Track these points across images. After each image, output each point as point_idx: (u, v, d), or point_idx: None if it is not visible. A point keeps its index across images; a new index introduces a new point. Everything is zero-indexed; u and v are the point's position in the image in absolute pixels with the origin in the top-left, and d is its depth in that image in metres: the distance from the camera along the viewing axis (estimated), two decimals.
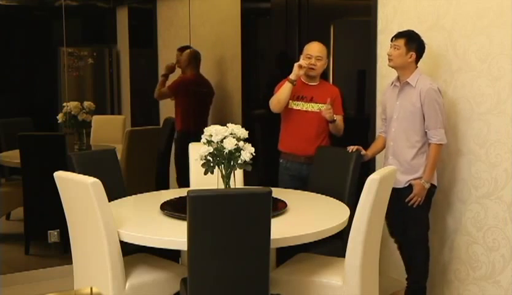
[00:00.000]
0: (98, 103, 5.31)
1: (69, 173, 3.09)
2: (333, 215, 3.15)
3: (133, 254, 3.20)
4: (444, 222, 3.77)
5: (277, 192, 3.35)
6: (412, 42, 3.53)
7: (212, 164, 3.00)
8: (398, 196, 3.52)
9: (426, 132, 3.51)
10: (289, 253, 3.31)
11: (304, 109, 3.98)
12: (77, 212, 2.99)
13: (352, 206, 3.07)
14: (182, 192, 3.19)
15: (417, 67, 3.58)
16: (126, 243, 2.86)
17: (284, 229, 2.83)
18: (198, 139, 3.12)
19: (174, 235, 2.78)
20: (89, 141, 5.22)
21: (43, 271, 4.34)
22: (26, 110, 5.05)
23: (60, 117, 4.98)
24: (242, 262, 2.63)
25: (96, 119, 5.22)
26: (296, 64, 3.89)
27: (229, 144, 2.92)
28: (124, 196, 3.51)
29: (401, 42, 3.53)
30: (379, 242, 3.20)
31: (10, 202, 4.75)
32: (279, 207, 3.13)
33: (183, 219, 2.65)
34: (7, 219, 4.89)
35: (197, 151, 3.05)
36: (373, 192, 2.85)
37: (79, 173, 3.13)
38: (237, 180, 3.29)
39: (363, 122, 4.29)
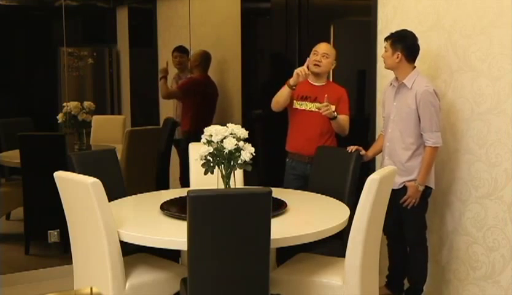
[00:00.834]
0: (98, 103, 5.31)
1: (69, 173, 3.09)
2: (333, 215, 3.15)
3: (133, 254, 3.20)
4: (444, 222, 3.77)
5: (277, 192, 3.35)
6: (397, 42, 3.52)
7: (212, 164, 3.00)
8: (394, 197, 3.51)
9: (421, 134, 3.51)
10: (289, 253, 3.31)
11: (308, 109, 3.99)
12: (77, 212, 2.99)
13: (352, 206, 3.07)
14: (182, 192, 3.19)
15: (414, 67, 3.57)
16: (126, 243, 2.86)
17: (284, 229, 2.84)
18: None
19: (174, 235, 2.78)
20: (89, 141, 5.22)
21: (43, 271, 4.34)
22: (26, 110, 5.05)
23: (60, 117, 4.98)
24: (242, 262, 2.63)
25: (96, 119, 5.22)
26: (295, 71, 3.88)
27: (229, 144, 2.92)
28: (124, 196, 3.51)
29: (387, 44, 3.56)
30: (379, 242, 3.20)
31: (10, 202, 4.75)
32: (280, 207, 3.13)
33: (183, 219, 2.65)
34: (7, 219, 4.89)
35: (197, 151, 3.05)
36: (373, 192, 2.85)
37: (79, 173, 3.14)
38: (237, 180, 3.29)
39: (363, 122, 4.29)
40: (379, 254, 3.23)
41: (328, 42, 4.53)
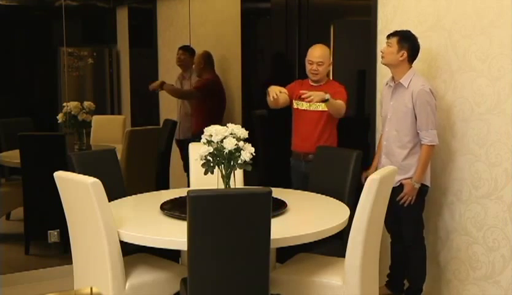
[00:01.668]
0: (98, 103, 5.31)
1: (69, 173, 3.09)
2: (333, 215, 3.15)
3: (133, 254, 3.20)
4: (444, 222, 3.77)
5: (277, 192, 3.35)
6: (405, 41, 3.55)
7: (212, 164, 3.00)
8: (391, 194, 3.54)
9: (418, 133, 3.53)
10: (289, 253, 3.31)
11: (304, 108, 4.04)
12: (77, 212, 2.98)
13: (352, 206, 3.07)
14: (182, 192, 3.19)
15: (411, 67, 3.59)
16: (126, 243, 2.86)
17: (284, 229, 2.84)
18: None
19: (174, 235, 2.78)
20: (89, 141, 5.22)
21: (43, 271, 4.34)
22: (26, 110, 5.05)
23: (60, 117, 4.98)
24: (242, 262, 2.63)
25: (96, 119, 5.22)
26: (268, 90, 3.89)
27: (229, 144, 2.92)
28: (124, 196, 3.51)
29: (394, 40, 3.57)
30: (379, 242, 3.20)
31: (10, 202, 4.75)
32: (280, 207, 3.13)
33: (183, 219, 2.65)
34: (7, 219, 4.89)
35: (197, 151, 3.05)
36: (373, 192, 2.85)
37: (79, 173, 3.13)
38: (237, 180, 3.29)
39: (363, 122, 4.29)
40: (379, 254, 3.23)
41: (328, 42, 4.54)
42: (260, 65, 5.52)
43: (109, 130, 5.35)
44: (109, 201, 2.86)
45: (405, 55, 3.55)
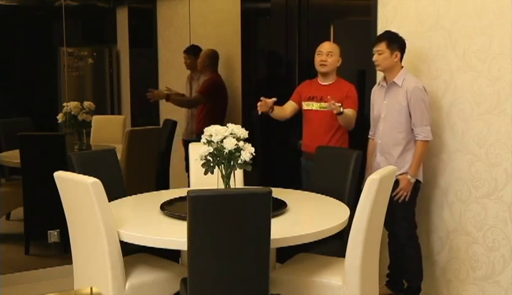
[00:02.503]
0: (98, 103, 5.31)
1: (69, 173, 3.09)
2: (333, 215, 3.15)
3: (133, 254, 3.20)
4: (444, 222, 3.77)
5: (277, 192, 3.35)
6: (394, 42, 3.63)
7: (212, 164, 3.00)
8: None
9: (412, 129, 3.61)
10: (289, 253, 3.31)
11: (314, 108, 4.03)
12: (77, 212, 2.98)
13: (352, 206, 3.07)
14: (182, 192, 3.19)
15: (402, 66, 3.67)
16: (126, 243, 2.85)
17: (284, 229, 2.83)
18: None
19: (174, 235, 2.78)
20: (89, 141, 5.22)
21: (43, 271, 4.34)
22: (26, 110, 5.06)
23: (60, 117, 4.98)
24: (242, 262, 2.63)
25: (96, 119, 5.22)
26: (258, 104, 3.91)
27: (229, 144, 2.92)
28: (124, 196, 3.51)
29: (383, 46, 3.64)
30: (379, 242, 3.20)
31: (10, 202, 4.75)
32: (280, 207, 3.13)
33: (183, 219, 2.65)
34: (7, 219, 4.89)
35: (197, 151, 3.05)
36: (373, 192, 2.85)
37: (79, 173, 3.13)
38: (237, 180, 3.29)
39: (363, 122, 4.28)
40: (379, 254, 3.23)
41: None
42: (260, 65, 5.52)
43: (109, 130, 5.35)
44: (109, 201, 2.86)
45: (398, 55, 3.64)
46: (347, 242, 2.95)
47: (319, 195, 3.57)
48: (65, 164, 3.42)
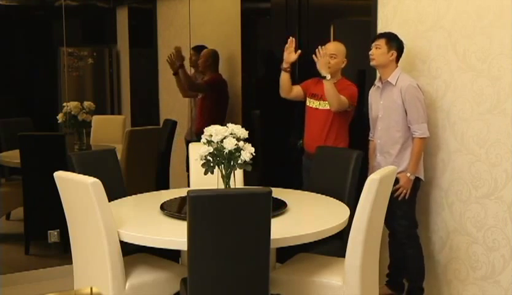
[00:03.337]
0: (98, 103, 5.31)
1: (69, 173, 3.09)
2: (333, 215, 3.15)
3: (133, 254, 3.20)
4: (444, 222, 3.77)
5: (277, 192, 3.35)
6: (392, 41, 3.69)
7: (212, 164, 3.00)
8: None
9: (409, 127, 3.64)
10: (289, 253, 3.31)
11: (314, 106, 4.06)
12: (77, 212, 2.99)
13: (352, 206, 3.07)
14: (182, 192, 3.19)
15: (397, 66, 3.71)
16: (126, 243, 2.85)
17: (284, 229, 2.83)
18: None
19: (174, 235, 2.78)
20: (89, 141, 5.21)
21: (43, 271, 4.34)
22: (26, 110, 5.05)
23: (60, 117, 4.98)
24: (242, 262, 2.63)
25: (96, 119, 5.22)
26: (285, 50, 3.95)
27: (229, 144, 2.92)
28: (124, 196, 3.51)
29: (382, 42, 3.69)
30: (379, 242, 3.20)
31: (10, 202, 4.74)
32: (280, 207, 3.13)
33: (183, 219, 2.65)
34: (7, 219, 4.89)
35: (197, 151, 3.05)
36: (373, 192, 2.85)
37: (79, 173, 3.14)
38: (237, 180, 3.29)
39: (363, 122, 4.28)
40: (379, 254, 3.23)
41: (328, 42, 4.53)
42: (260, 65, 5.52)
43: (109, 130, 5.35)
44: (109, 201, 2.86)
45: (394, 54, 3.68)
46: (347, 242, 2.95)
47: (319, 195, 3.57)
48: (65, 164, 3.42)
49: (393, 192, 3.57)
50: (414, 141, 3.64)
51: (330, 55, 3.97)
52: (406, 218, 3.70)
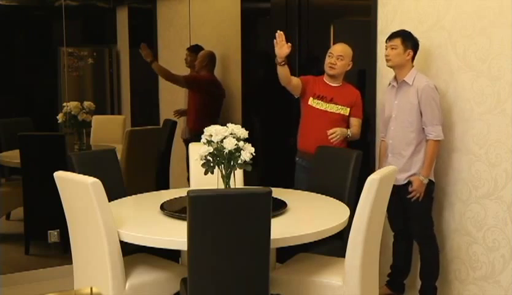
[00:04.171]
0: (98, 103, 5.31)
1: (69, 173, 3.09)
2: (333, 215, 3.15)
3: (133, 254, 3.20)
4: (444, 222, 3.77)
5: (277, 192, 3.35)
6: (408, 40, 3.61)
7: (212, 164, 3.00)
8: (399, 193, 3.59)
9: (423, 129, 3.57)
10: (289, 253, 3.31)
11: (323, 108, 3.99)
12: (77, 212, 2.98)
13: (352, 206, 3.07)
14: (182, 192, 3.19)
15: (413, 66, 3.64)
16: (126, 243, 2.85)
17: (284, 229, 2.83)
18: None
19: (174, 235, 2.78)
20: (89, 141, 5.22)
21: (43, 271, 4.34)
22: (26, 110, 5.05)
23: (60, 117, 4.98)
24: (242, 262, 2.63)
25: (96, 119, 5.22)
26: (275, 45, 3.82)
27: (229, 144, 2.92)
28: (124, 196, 3.51)
29: (397, 42, 3.60)
30: (379, 242, 3.20)
31: (10, 202, 4.74)
32: (280, 207, 3.13)
33: (183, 219, 2.65)
34: (7, 219, 4.89)
35: (197, 151, 3.05)
36: (373, 192, 2.85)
37: (79, 173, 3.13)
38: (237, 180, 3.29)
39: (363, 122, 4.28)
40: (379, 254, 3.22)
41: (328, 42, 4.54)
42: (260, 65, 5.52)
43: (109, 130, 5.35)
44: (109, 201, 2.86)
45: (411, 54, 3.61)
46: (347, 242, 2.95)
47: (319, 195, 3.57)
48: (65, 164, 3.42)
49: (408, 197, 3.57)
50: (428, 143, 3.57)
51: (337, 56, 3.95)
52: (424, 219, 3.66)
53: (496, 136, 3.44)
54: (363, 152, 3.68)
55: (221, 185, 3.04)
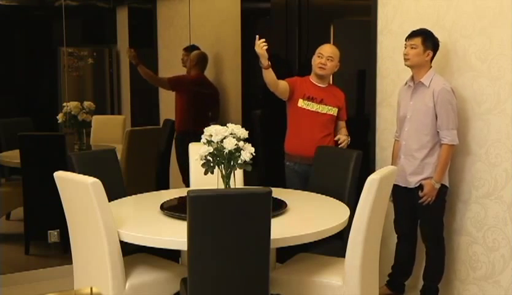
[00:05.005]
0: (98, 103, 5.31)
1: (69, 173, 3.09)
2: (333, 215, 3.15)
3: (133, 254, 3.21)
4: (444, 222, 3.76)
5: (277, 192, 3.35)
6: (429, 40, 3.52)
7: (212, 164, 3.00)
8: (410, 196, 3.58)
9: (438, 132, 3.51)
10: (289, 253, 3.31)
11: (314, 109, 3.97)
12: (77, 212, 2.99)
13: (352, 206, 3.07)
14: (182, 192, 3.19)
15: (431, 66, 3.57)
16: (126, 243, 2.85)
17: (284, 229, 2.83)
18: (197, 140, 3.12)
19: (174, 235, 2.78)
20: (89, 141, 5.21)
21: (43, 271, 4.34)
22: (26, 110, 5.05)
23: (60, 117, 4.98)
24: (242, 262, 2.63)
25: (96, 119, 5.22)
26: (257, 51, 3.82)
27: (229, 144, 2.92)
28: (124, 196, 3.51)
29: (417, 41, 3.51)
30: (379, 242, 3.20)
31: (10, 202, 4.74)
32: (280, 207, 3.13)
33: (183, 219, 2.65)
34: (7, 219, 4.89)
35: (197, 151, 3.05)
36: (373, 192, 2.85)
37: (79, 173, 3.13)
38: (237, 180, 3.29)
39: (363, 122, 4.29)
40: (379, 254, 3.23)
41: (328, 42, 4.54)
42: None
43: (109, 130, 5.35)
44: (109, 201, 2.86)
45: (430, 54, 3.53)
46: (347, 242, 2.95)
47: (319, 195, 3.57)
48: (65, 164, 3.42)
49: (419, 201, 3.55)
50: (442, 147, 3.50)
51: (327, 57, 3.95)
52: (434, 223, 3.63)
53: (496, 136, 3.44)
54: (363, 152, 3.68)
55: (221, 185, 3.04)
